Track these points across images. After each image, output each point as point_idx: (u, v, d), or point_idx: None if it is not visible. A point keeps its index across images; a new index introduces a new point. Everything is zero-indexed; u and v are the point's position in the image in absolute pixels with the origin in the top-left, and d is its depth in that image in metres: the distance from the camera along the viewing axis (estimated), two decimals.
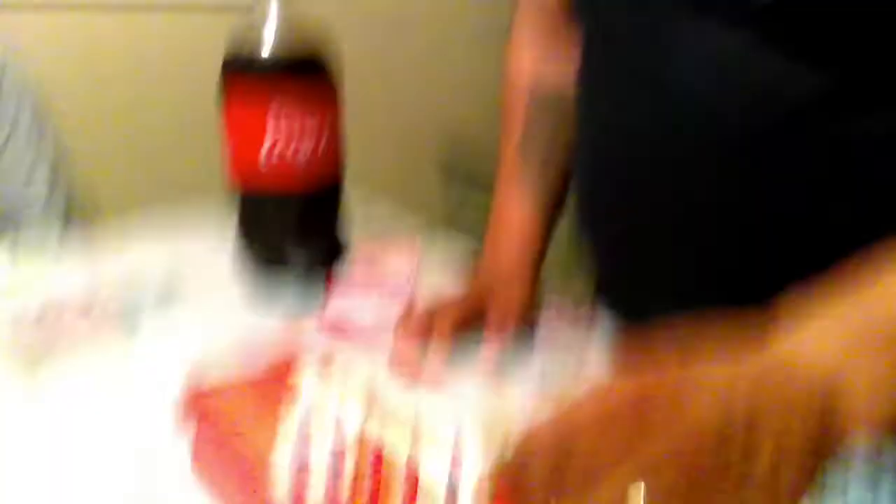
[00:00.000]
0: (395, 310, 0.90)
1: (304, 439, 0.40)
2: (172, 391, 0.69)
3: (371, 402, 0.53)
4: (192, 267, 1.01)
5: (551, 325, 0.85)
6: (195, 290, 0.96)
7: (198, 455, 0.54)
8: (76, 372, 0.78)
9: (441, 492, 0.40)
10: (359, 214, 1.05)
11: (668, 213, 0.67)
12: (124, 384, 0.76)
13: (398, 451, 0.47)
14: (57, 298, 0.94)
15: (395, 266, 0.93)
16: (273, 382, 0.57)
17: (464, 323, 0.78)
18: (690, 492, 0.36)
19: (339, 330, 0.87)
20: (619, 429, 0.36)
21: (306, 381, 0.56)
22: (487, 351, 0.78)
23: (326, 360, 0.58)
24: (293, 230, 0.91)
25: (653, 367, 0.39)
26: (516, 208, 0.90)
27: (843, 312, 0.42)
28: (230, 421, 0.51)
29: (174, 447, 0.63)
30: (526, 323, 0.82)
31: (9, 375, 0.77)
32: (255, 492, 0.44)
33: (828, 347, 0.41)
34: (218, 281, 0.97)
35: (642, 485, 0.35)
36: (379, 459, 0.40)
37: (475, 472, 0.43)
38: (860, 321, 0.41)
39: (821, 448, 0.38)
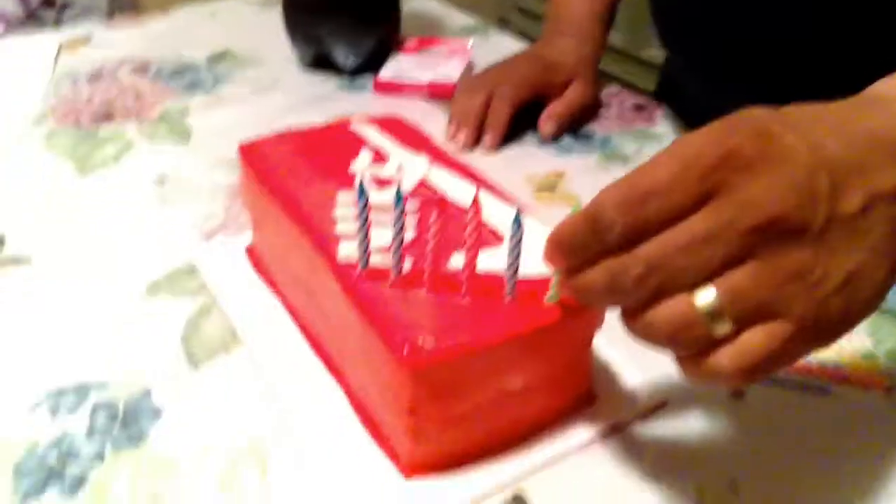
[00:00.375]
0: (452, 68, 0.87)
1: (367, 184, 0.39)
2: (227, 157, 0.69)
3: (433, 160, 0.51)
4: (242, 39, 0.98)
5: (611, 114, 0.82)
6: (246, 62, 0.94)
7: (253, 198, 0.54)
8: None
9: (506, 236, 0.39)
10: (409, 13, 0.99)
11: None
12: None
13: (462, 200, 0.46)
14: (113, 57, 0.93)
15: (447, 65, 0.89)
16: (333, 133, 0.55)
17: (522, 104, 0.76)
18: (763, 272, 0.31)
19: (395, 88, 0.85)
20: (697, 185, 0.32)
21: (367, 129, 0.55)
22: (546, 126, 0.76)
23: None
24: (341, 28, 0.86)
25: (737, 124, 0.33)
26: None
27: None
28: (289, 167, 0.50)
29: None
30: (585, 109, 0.79)
31: (62, 150, 0.77)
32: (316, 240, 0.44)
33: None
34: (268, 59, 0.94)
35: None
36: (444, 204, 0.39)
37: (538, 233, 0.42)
38: None
39: None
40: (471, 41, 0.93)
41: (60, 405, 0.46)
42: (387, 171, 0.50)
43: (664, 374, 0.47)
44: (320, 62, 0.88)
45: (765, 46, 0.68)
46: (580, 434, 0.43)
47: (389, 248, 0.39)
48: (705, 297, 0.32)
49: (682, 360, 0.34)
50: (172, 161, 0.71)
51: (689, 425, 0.45)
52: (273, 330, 0.50)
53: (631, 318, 0.34)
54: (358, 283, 0.40)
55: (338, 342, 0.45)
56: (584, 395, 0.45)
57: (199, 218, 0.63)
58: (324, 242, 0.43)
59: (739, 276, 0.32)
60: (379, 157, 0.52)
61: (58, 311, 0.53)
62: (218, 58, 0.93)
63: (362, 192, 0.38)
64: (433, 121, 0.78)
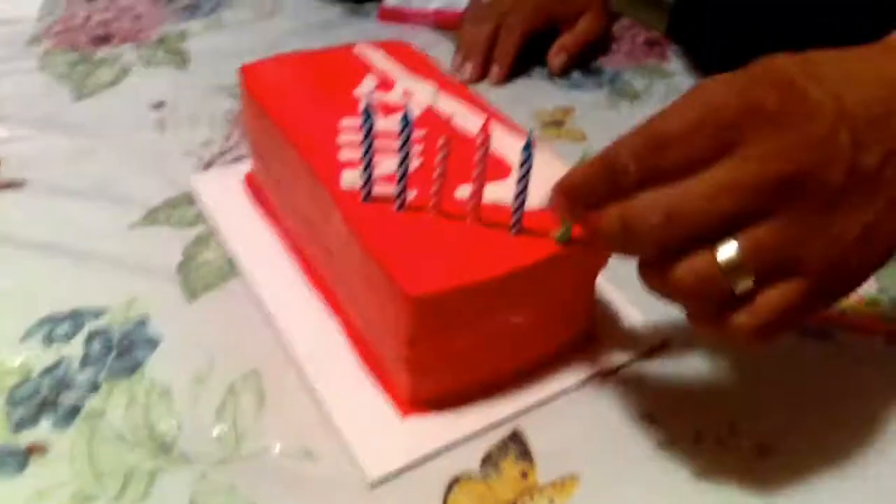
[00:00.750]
0: None
1: (372, 108, 0.37)
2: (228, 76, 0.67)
3: (440, 88, 0.50)
4: None
5: (622, 49, 0.80)
6: None
7: (253, 123, 0.52)
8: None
9: (515, 167, 0.38)
10: None
11: None
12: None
13: (470, 129, 0.44)
14: None
15: None
16: (337, 57, 0.53)
17: (530, 35, 0.73)
18: (786, 228, 0.31)
19: (400, 16, 0.82)
20: (717, 136, 0.31)
21: (372, 54, 0.53)
22: (556, 60, 0.74)
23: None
24: None
25: (761, 75, 0.32)
26: None
27: None
28: (292, 91, 0.48)
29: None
30: (596, 42, 0.77)
31: (58, 73, 0.75)
32: (318, 167, 0.42)
33: None
34: None
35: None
36: (451, 132, 0.37)
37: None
38: None
39: None
40: None
41: (55, 333, 0.45)
42: (392, 96, 0.48)
43: (665, 315, 0.47)
44: None
45: None
46: (579, 373, 0.43)
47: (394, 176, 0.38)
48: (727, 251, 0.31)
49: (697, 318, 0.34)
50: (170, 86, 0.69)
51: (689, 367, 0.44)
52: (271, 261, 0.49)
53: (649, 271, 0.34)
54: (361, 211, 0.39)
55: (338, 273, 0.44)
56: (585, 334, 0.45)
57: (197, 145, 0.61)
58: (326, 169, 0.42)
59: (762, 231, 0.31)
60: (384, 83, 0.50)
61: (53, 235, 0.52)
62: None
63: (368, 116, 0.37)
64: (439, 51, 0.76)
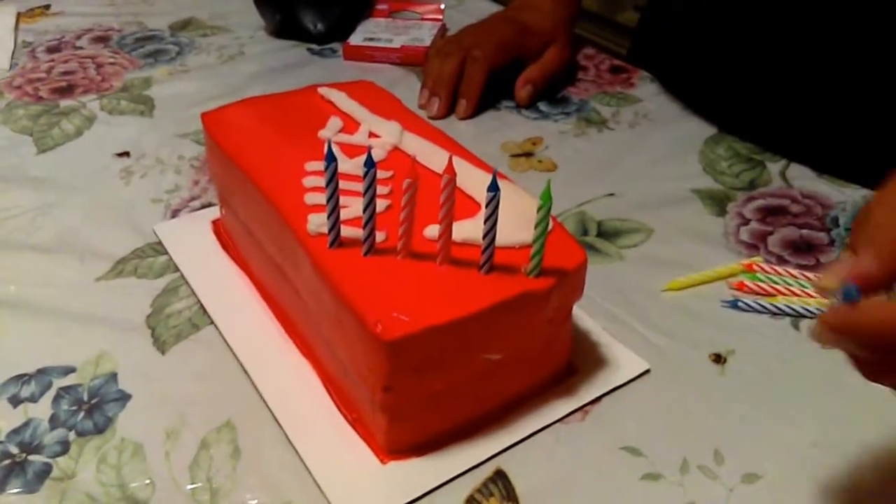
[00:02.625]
0: (425, 32, 0.85)
1: (335, 152, 0.37)
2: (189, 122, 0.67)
3: (405, 126, 0.49)
4: (206, 6, 0.95)
5: (588, 77, 0.80)
6: (210, 36, 0.91)
7: (219, 169, 0.51)
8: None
9: (483, 204, 0.37)
10: None
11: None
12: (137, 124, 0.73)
13: (437, 167, 0.44)
14: (73, 26, 0.89)
15: (419, 28, 0.86)
16: (300, 99, 0.53)
17: (496, 68, 0.74)
18: None
19: (365, 53, 0.82)
20: None
21: (336, 96, 0.52)
22: (522, 91, 0.74)
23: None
24: None
25: None
26: None
27: None
28: (256, 135, 0.48)
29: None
30: (561, 73, 0.77)
31: (21, 125, 0.74)
32: (285, 211, 0.42)
33: None
34: (234, 29, 0.91)
35: None
36: (417, 171, 0.37)
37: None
38: None
39: None
40: (443, 4, 0.91)
41: (21, 393, 0.44)
42: (358, 138, 0.48)
43: (644, 343, 0.46)
44: (288, 29, 0.85)
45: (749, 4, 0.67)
46: (561, 406, 0.42)
47: (361, 217, 0.38)
48: None
49: None
50: (136, 134, 0.68)
51: (672, 395, 0.44)
52: (242, 308, 0.48)
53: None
54: (329, 255, 0.39)
55: (309, 319, 0.44)
56: (565, 367, 0.44)
57: (163, 193, 0.60)
58: (293, 213, 0.41)
59: None
60: (349, 124, 0.50)
61: (18, 292, 0.51)
62: (182, 26, 0.90)
63: (331, 159, 0.36)
64: (405, 87, 0.76)
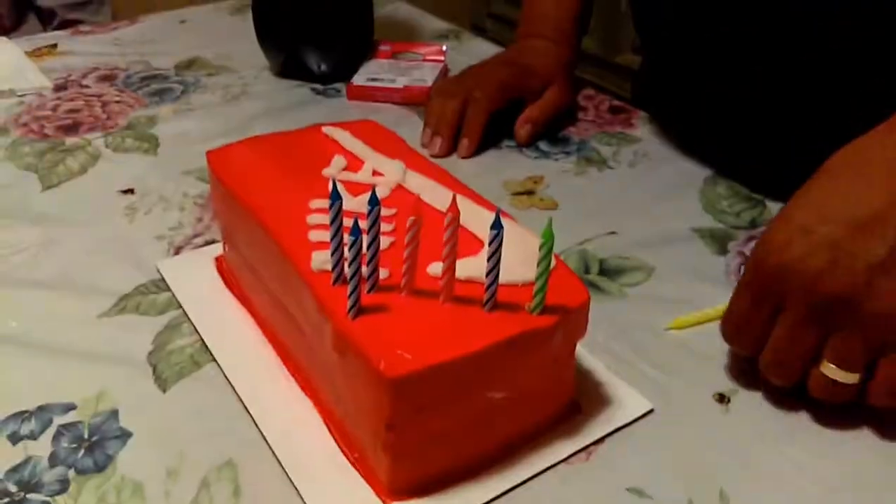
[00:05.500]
0: (427, 72, 0.86)
1: (339, 190, 0.37)
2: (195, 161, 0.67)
3: (409, 165, 0.50)
4: (211, 46, 0.97)
5: (588, 117, 0.81)
6: (215, 73, 0.92)
7: (223, 207, 0.52)
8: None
9: (486, 242, 0.37)
10: (382, 18, 0.98)
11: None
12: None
13: (440, 205, 0.44)
14: (80, 65, 0.90)
15: (421, 69, 0.88)
16: (304, 138, 0.53)
17: (497, 108, 0.74)
18: None
19: (368, 93, 0.83)
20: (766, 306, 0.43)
21: (340, 135, 0.53)
22: (522, 131, 0.75)
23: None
24: (312, 34, 0.84)
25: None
26: None
27: None
28: (260, 173, 0.48)
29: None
30: (561, 113, 0.78)
31: (26, 162, 0.75)
32: (288, 248, 0.42)
33: None
34: (238, 69, 0.92)
35: None
36: (420, 209, 0.37)
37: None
38: None
39: None
40: (445, 46, 0.92)
41: (21, 430, 0.43)
42: (361, 176, 0.49)
43: (648, 382, 0.46)
44: (292, 69, 0.86)
45: (747, 47, 0.68)
46: (566, 447, 0.42)
47: (365, 255, 0.38)
48: (825, 367, 0.41)
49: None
50: (140, 172, 0.69)
51: (676, 434, 0.43)
52: (244, 345, 0.48)
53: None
54: (333, 292, 0.39)
55: (312, 357, 0.43)
56: (569, 406, 0.44)
57: (167, 230, 0.61)
58: (296, 251, 0.42)
59: (838, 343, 0.41)
60: (353, 162, 0.50)
61: (20, 328, 0.51)
62: (187, 65, 0.91)
63: (336, 197, 0.37)
64: (408, 127, 0.76)
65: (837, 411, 0.44)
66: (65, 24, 1.31)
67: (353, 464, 0.40)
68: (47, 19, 1.38)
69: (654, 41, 0.81)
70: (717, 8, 0.65)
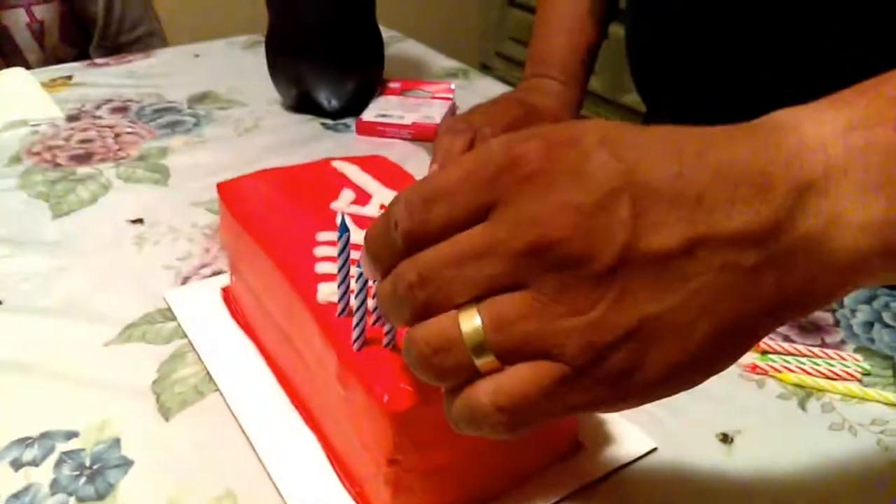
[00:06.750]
0: (435, 109, 0.87)
1: (348, 222, 0.38)
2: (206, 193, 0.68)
3: None
4: (224, 80, 0.98)
5: None
6: (227, 105, 0.93)
7: (231, 237, 0.52)
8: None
9: None
10: (392, 55, 1.00)
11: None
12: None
13: None
14: (94, 96, 0.92)
15: (429, 106, 0.89)
16: (314, 171, 0.54)
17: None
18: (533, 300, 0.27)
19: (377, 129, 0.84)
20: (478, 193, 0.28)
21: (349, 169, 0.54)
22: None
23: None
24: (324, 70, 0.85)
25: (542, 130, 0.29)
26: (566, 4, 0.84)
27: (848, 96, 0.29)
28: (269, 205, 0.49)
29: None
30: None
31: (38, 190, 0.76)
32: (295, 280, 0.42)
33: (821, 120, 0.28)
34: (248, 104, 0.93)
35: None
36: None
37: None
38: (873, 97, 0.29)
39: (783, 289, 0.27)
40: (453, 84, 0.93)
41: (23, 457, 0.43)
42: (369, 210, 0.49)
43: (652, 420, 0.46)
44: (303, 104, 0.87)
45: (746, 95, 0.69)
46: (566, 484, 0.42)
47: (371, 287, 0.38)
48: (468, 319, 0.27)
49: (446, 396, 0.30)
50: (150, 202, 0.70)
51: (680, 473, 0.43)
52: (248, 376, 0.48)
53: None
54: (338, 325, 0.39)
55: (316, 389, 0.44)
56: (570, 443, 0.44)
57: (175, 260, 0.61)
58: (303, 282, 0.42)
59: (505, 303, 0.27)
60: (361, 196, 0.51)
61: (25, 355, 0.51)
62: (199, 98, 0.92)
63: (344, 229, 0.37)
64: (416, 162, 0.77)
65: (840, 454, 0.43)
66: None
67: (354, 497, 0.40)
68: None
69: (652, 93, 0.82)
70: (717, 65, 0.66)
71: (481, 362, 0.28)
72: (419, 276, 0.28)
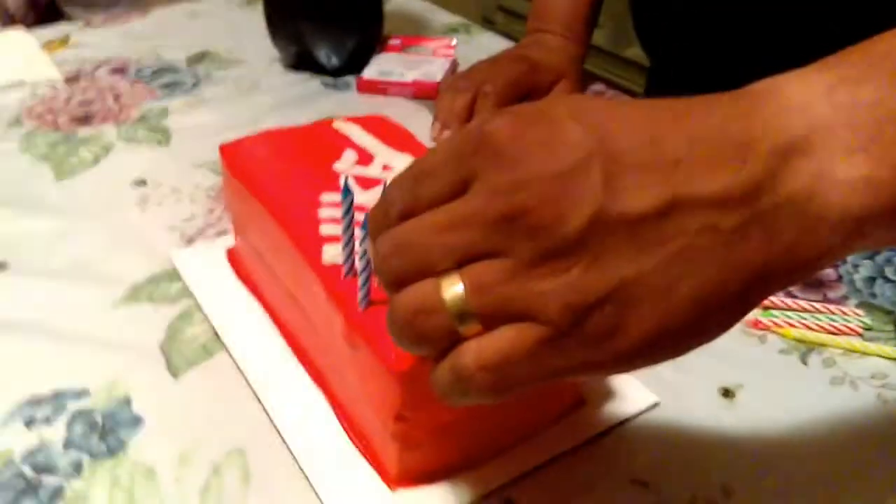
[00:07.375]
0: (436, 67, 0.86)
1: (351, 184, 0.38)
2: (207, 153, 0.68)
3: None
4: (222, 39, 0.97)
5: None
6: (225, 67, 0.93)
7: (235, 200, 0.52)
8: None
9: None
10: (392, 11, 0.98)
11: None
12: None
13: None
14: (91, 57, 0.91)
15: (430, 63, 0.88)
16: (316, 132, 0.54)
17: (507, 103, 0.75)
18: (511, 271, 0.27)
19: (378, 87, 0.84)
20: (458, 168, 0.29)
21: (351, 129, 0.54)
22: None
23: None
24: (323, 28, 0.84)
25: (515, 107, 0.29)
26: None
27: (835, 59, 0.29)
28: (272, 167, 0.49)
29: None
30: None
31: (39, 153, 0.76)
32: (300, 242, 0.43)
33: (806, 83, 0.28)
34: (247, 61, 0.93)
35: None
36: None
37: None
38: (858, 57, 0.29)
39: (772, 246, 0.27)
40: (455, 40, 0.93)
41: (36, 415, 0.44)
42: (372, 170, 0.49)
43: (654, 375, 0.47)
44: (303, 62, 0.87)
45: (751, 48, 0.68)
46: (570, 438, 0.43)
47: None
48: (450, 285, 0.28)
49: (432, 368, 0.30)
50: (152, 163, 0.70)
51: (682, 429, 0.44)
52: (255, 335, 0.49)
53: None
54: (343, 286, 0.39)
55: (322, 348, 0.44)
56: (573, 398, 0.45)
57: (179, 221, 0.61)
58: (308, 244, 0.42)
59: (485, 267, 0.28)
60: (363, 157, 0.51)
61: (34, 317, 0.51)
62: (198, 58, 0.91)
63: (347, 191, 0.37)
64: (418, 120, 0.77)
65: (841, 408, 0.44)
66: None
67: (361, 452, 0.41)
68: None
69: (656, 46, 0.81)
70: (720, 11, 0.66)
71: (464, 328, 0.28)
72: (395, 245, 0.29)
